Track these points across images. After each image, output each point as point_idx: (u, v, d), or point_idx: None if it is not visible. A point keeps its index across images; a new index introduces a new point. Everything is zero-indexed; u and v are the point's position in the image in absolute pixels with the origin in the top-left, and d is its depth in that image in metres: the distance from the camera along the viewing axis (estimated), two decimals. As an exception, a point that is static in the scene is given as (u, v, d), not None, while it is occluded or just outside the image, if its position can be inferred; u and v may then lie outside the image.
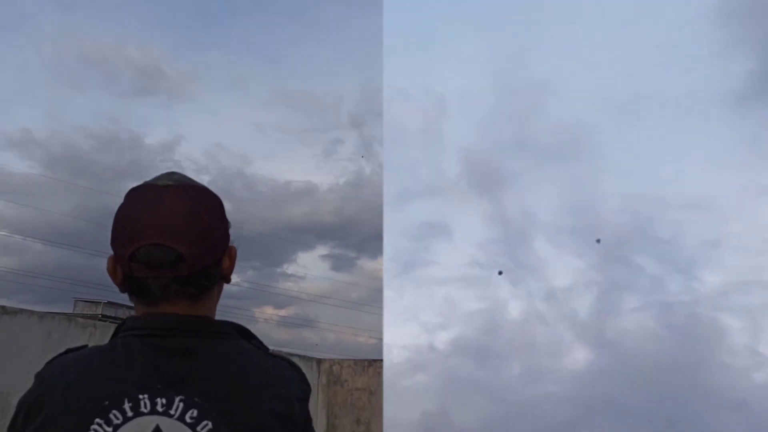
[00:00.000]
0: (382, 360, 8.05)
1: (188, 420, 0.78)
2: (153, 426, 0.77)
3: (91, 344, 0.88)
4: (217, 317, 0.94)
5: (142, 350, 0.82)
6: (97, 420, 0.76)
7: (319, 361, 9.03)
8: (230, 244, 0.94)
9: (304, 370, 0.93)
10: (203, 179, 0.98)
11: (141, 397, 0.78)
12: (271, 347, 0.95)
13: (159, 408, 0.78)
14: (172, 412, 0.78)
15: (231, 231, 0.95)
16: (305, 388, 0.91)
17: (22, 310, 5.55)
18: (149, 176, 0.94)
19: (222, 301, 0.96)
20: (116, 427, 0.76)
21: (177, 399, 0.79)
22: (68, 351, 0.86)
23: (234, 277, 0.95)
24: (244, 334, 0.92)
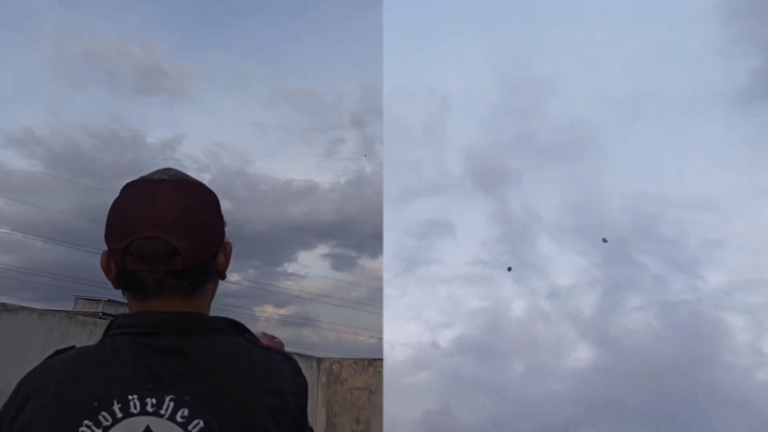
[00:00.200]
0: (382, 359, 8.02)
1: (179, 419, 0.76)
2: (143, 426, 0.75)
3: (92, 342, 0.87)
4: (218, 316, 0.92)
5: (131, 349, 0.81)
6: (86, 422, 0.74)
7: (319, 360, 9.04)
8: (226, 239, 0.93)
9: (304, 369, 0.92)
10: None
11: (130, 397, 0.77)
12: None
13: (149, 408, 0.76)
14: (162, 411, 0.76)
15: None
16: (300, 381, 0.90)
17: (22, 308, 5.54)
18: (150, 175, 0.92)
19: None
20: (105, 429, 0.75)
21: (167, 398, 0.77)
22: (57, 353, 0.85)
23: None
24: (237, 328, 0.91)
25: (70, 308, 28.55)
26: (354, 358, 9.03)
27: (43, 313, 5.74)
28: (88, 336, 5.98)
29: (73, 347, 0.86)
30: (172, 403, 0.77)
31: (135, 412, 0.76)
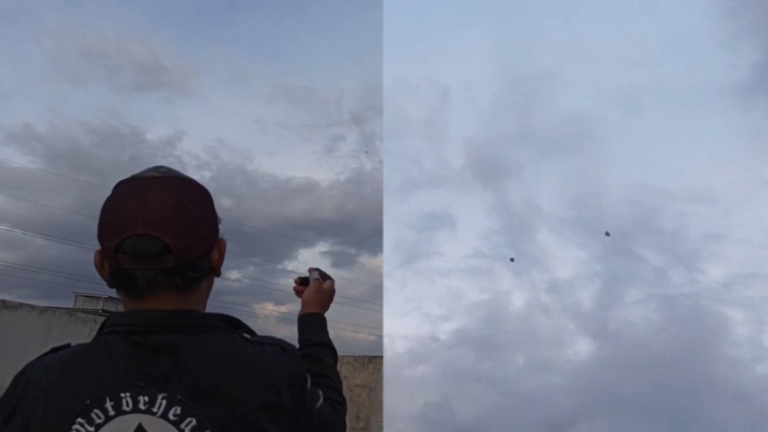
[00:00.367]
0: (381, 357, 8.01)
1: (171, 417, 0.76)
2: (135, 424, 0.76)
3: (91, 339, 0.86)
4: (213, 312, 0.92)
5: (124, 348, 0.81)
6: (79, 419, 0.75)
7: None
8: (221, 236, 0.92)
9: None
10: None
11: (123, 395, 0.77)
12: None
13: (141, 406, 0.76)
14: (154, 409, 0.76)
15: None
16: (296, 373, 0.89)
17: (22, 305, 5.54)
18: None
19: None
20: (98, 427, 0.75)
21: (160, 396, 0.77)
22: (53, 350, 0.85)
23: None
24: (232, 324, 0.91)
25: (70, 305, 28.59)
26: (354, 356, 9.04)
27: (43, 310, 5.74)
28: (87, 333, 5.97)
29: (68, 345, 0.86)
30: (164, 401, 0.77)
31: (127, 410, 0.76)
